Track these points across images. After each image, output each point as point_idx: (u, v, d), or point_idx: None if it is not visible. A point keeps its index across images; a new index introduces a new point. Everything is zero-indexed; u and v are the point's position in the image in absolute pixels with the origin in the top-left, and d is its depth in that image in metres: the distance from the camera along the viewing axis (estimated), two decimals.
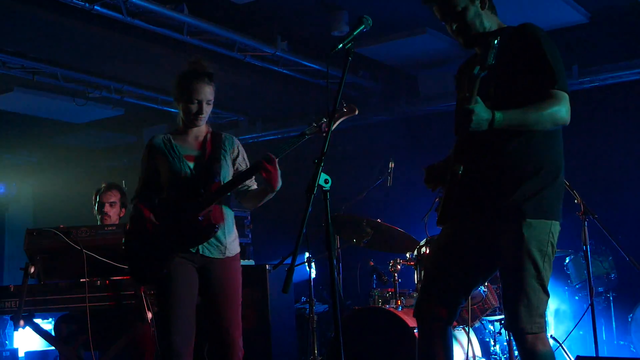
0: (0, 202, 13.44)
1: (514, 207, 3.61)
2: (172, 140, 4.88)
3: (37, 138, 12.39)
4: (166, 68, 9.29)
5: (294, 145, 4.67)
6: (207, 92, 4.81)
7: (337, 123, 4.62)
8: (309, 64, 9.37)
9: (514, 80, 3.65)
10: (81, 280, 5.66)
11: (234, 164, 4.95)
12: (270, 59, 9.06)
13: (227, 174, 4.86)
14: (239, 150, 5.00)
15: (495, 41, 3.43)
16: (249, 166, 4.95)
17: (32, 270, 5.71)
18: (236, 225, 4.97)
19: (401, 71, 10.26)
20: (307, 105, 10.96)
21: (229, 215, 4.89)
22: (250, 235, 8.52)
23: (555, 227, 3.67)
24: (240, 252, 7.85)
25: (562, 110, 3.57)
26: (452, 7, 3.79)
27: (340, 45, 3.54)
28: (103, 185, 6.99)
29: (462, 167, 3.61)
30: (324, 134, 4.55)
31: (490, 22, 3.85)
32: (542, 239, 3.60)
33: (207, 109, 4.84)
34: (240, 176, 4.75)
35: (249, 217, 8.60)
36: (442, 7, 3.84)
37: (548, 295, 3.64)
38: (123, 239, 4.88)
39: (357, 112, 4.68)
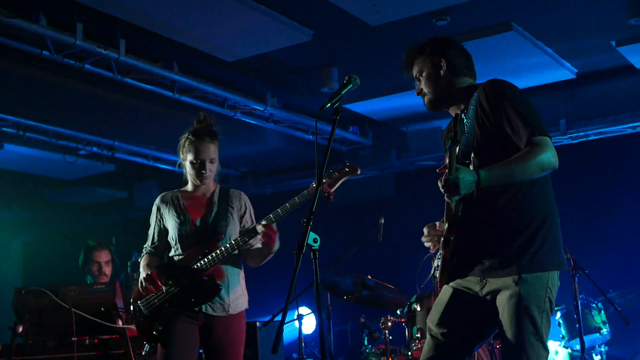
0: None
1: (508, 263, 3.60)
2: (180, 199, 4.98)
3: (27, 194, 12.37)
4: (157, 124, 9.34)
5: (296, 206, 4.69)
6: (210, 151, 4.89)
7: (339, 183, 4.69)
8: (299, 119, 9.42)
9: (492, 138, 3.64)
10: (70, 339, 5.62)
11: (240, 221, 5.01)
12: (260, 115, 9.11)
13: (232, 231, 4.91)
14: (246, 207, 5.07)
15: (463, 115, 3.48)
16: (254, 223, 5.01)
17: (21, 329, 5.66)
18: None
19: (391, 126, 10.32)
20: (298, 160, 11.00)
21: (233, 273, 4.94)
22: None
23: (553, 279, 3.64)
24: None
25: (547, 155, 3.53)
26: (416, 74, 4.01)
27: (329, 104, 3.57)
28: (92, 243, 6.95)
29: (453, 236, 3.62)
30: (326, 194, 4.62)
31: (457, 84, 3.91)
32: (539, 294, 3.58)
33: (211, 167, 4.92)
34: (241, 238, 4.78)
35: None
36: (410, 75, 4.05)
37: (547, 352, 3.61)
38: (131, 299, 4.98)
39: (359, 172, 4.74)
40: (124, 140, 9.99)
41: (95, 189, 12.24)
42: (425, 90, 3.97)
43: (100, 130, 9.69)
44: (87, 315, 5.66)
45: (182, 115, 8.55)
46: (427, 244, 3.97)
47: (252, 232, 4.75)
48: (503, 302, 3.62)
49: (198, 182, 4.95)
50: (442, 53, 3.95)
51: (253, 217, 5.10)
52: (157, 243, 5.05)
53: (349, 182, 10.75)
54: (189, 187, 5.06)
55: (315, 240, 3.33)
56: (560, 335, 8.21)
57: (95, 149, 9.89)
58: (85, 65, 7.10)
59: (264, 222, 4.70)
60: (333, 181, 4.69)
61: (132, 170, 11.29)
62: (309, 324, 7.29)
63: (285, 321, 3.30)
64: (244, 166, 11.85)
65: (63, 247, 12.41)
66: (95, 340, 5.65)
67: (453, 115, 3.97)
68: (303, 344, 6.47)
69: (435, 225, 3.95)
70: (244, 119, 9.04)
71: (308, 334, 7.01)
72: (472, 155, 3.64)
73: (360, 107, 9.44)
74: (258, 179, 11.85)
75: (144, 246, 5.11)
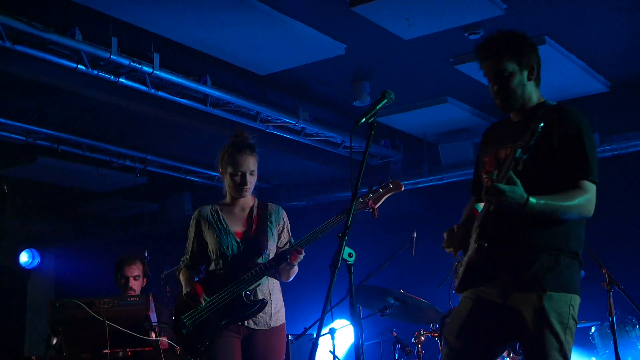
0: (23, 271, 13.45)
1: (534, 279, 3.60)
2: (220, 213, 4.98)
3: (60, 207, 12.47)
4: (189, 138, 9.38)
5: (340, 221, 4.73)
6: (250, 163, 4.91)
7: (384, 199, 4.71)
8: (331, 134, 9.44)
9: (546, 161, 3.62)
10: (103, 351, 5.64)
11: (279, 237, 5.03)
12: (292, 129, 9.13)
13: (272, 246, 4.95)
14: (284, 222, 5.09)
15: (540, 127, 3.39)
16: (291, 238, 5.07)
17: (55, 341, 5.69)
18: None
19: (422, 140, 10.30)
20: (330, 174, 11.00)
21: (274, 285, 4.99)
22: None
23: (576, 300, 3.64)
24: None
25: (590, 203, 3.59)
26: (501, 69, 3.77)
27: (364, 119, 3.56)
28: (125, 256, 6.96)
29: (487, 243, 3.60)
30: (370, 210, 4.65)
31: (531, 94, 3.83)
32: (563, 311, 3.58)
33: (251, 180, 4.93)
34: (278, 258, 4.81)
35: None
36: (489, 66, 3.82)
37: None
38: (173, 311, 5.00)
39: (403, 189, 4.75)
40: (157, 153, 10.05)
41: (128, 202, 12.32)
42: (507, 91, 3.79)
43: (134, 144, 9.75)
44: (120, 328, 5.68)
45: (215, 129, 8.60)
46: (448, 250, 3.96)
47: (283, 257, 4.78)
48: (526, 317, 3.61)
49: (238, 195, 4.96)
50: (536, 59, 3.85)
51: (290, 232, 5.13)
52: (195, 256, 5.06)
53: None
54: (228, 200, 5.05)
55: (350, 255, 3.33)
56: (595, 351, 8.15)
57: (128, 162, 9.96)
58: (120, 79, 7.16)
59: (296, 249, 4.76)
60: (377, 197, 4.75)
61: (164, 183, 11.35)
62: (340, 338, 7.27)
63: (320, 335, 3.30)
64: (275, 179, 11.87)
65: (95, 259, 12.51)
66: (129, 353, 5.66)
67: (514, 120, 3.89)
68: (336, 358, 6.45)
69: (454, 229, 3.93)
70: (276, 133, 9.06)
71: (340, 348, 6.98)
72: (519, 167, 3.60)
73: (392, 120, 9.44)
74: (290, 192, 11.86)
75: (182, 259, 5.11)
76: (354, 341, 3.39)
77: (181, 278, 4.99)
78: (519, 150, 3.37)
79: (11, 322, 13.07)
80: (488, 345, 3.82)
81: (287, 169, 11.13)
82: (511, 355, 6.07)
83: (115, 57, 6.80)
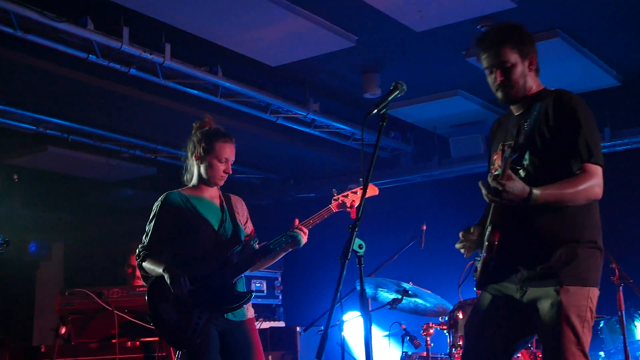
0: (32, 260, 13.46)
1: (550, 273, 3.59)
2: (190, 200, 4.79)
3: (70, 196, 12.47)
4: None
5: (316, 222, 4.66)
6: (233, 152, 4.85)
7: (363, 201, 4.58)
8: (341, 126, 9.42)
9: (549, 148, 3.62)
10: (112, 341, 5.65)
11: (244, 228, 4.90)
12: (302, 121, 9.12)
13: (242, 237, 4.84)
14: (247, 214, 4.98)
15: (526, 126, 3.42)
16: (252, 228, 4.95)
17: (64, 330, 5.71)
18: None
19: (433, 132, 10.28)
20: (339, 166, 10.99)
21: (244, 278, 4.83)
22: (280, 297, 8.50)
23: (594, 293, 3.64)
24: (271, 313, 7.81)
25: (595, 185, 3.56)
26: (503, 61, 3.75)
27: (375, 110, 3.53)
28: (132, 246, 6.96)
29: (498, 239, 3.60)
30: (349, 209, 4.59)
31: (532, 84, 3.82)
32: (581, 304, 3.57)
33: (230, 169, 4.83)
34: (265, 250, 4.66)
35: (280, 278, 8.58)
36: (491, 58, 3.79)
37: None
38: (148, 300, 4.69)
39: (377, 193, 4.70)
40: (167, 144, 10.05)
41: (137, 192, 12.32)
42: (510, 82, 3.76)
43: (144, 134, 9.76)
44: (129, 317, 5.70)
45: (225, 120, 8.59)
46: (461, 250, 3.95)
47: (269, 250, 4.63)
48: (544, 311, 3.60)
49: (214, 183, 4.82)
50: (534, 49, 3.85)
51: (250, 222, 4.99)
52: (159, 246, 4.73)
53: (390, 188, 10.70)
54: (196, 186, 4.88)
55: (360, 247, 3.31)
56: (603, 345, 8.12)
57: (138, 152, 9.96)
58: (131, 70, 7.16)
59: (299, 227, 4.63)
60: (356, 199, 4.67)
61: (174, 174, 11.32)
62: (347, 330, 7.29)
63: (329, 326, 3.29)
64: (285, 171, 11.87)
65: (104, 249, 12.51)
66: (137, 343, 5.68)
67: (515, 113, 3.88)
68: (345, 350, 6.45)
69: (470, 230, 3.92)
70: (286, 124, 9.06)
71: (348, 341, 6.98)
72: (525, 162, 3.62)
73: (403, 113, 9.42)
74: (300, 184, 11.85)
75: (140, 248, 4.78)
76: (364, 334, 3.36)
77: (151, 266, 4.64)
78: (509, 151, 3.43)
79: (20, 311, 13.10)
80: (508, 340, 3.82)
81: (297, 161, 11.12)
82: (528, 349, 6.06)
83: (126, 48, 6.79)
